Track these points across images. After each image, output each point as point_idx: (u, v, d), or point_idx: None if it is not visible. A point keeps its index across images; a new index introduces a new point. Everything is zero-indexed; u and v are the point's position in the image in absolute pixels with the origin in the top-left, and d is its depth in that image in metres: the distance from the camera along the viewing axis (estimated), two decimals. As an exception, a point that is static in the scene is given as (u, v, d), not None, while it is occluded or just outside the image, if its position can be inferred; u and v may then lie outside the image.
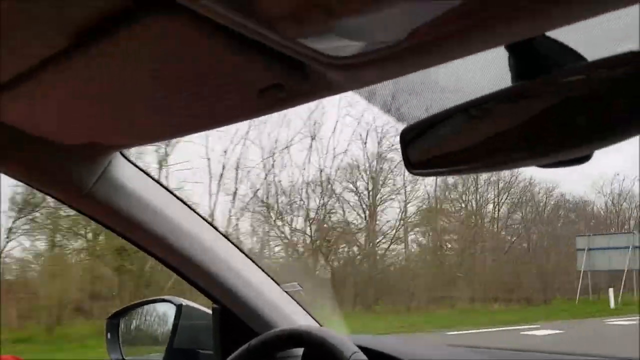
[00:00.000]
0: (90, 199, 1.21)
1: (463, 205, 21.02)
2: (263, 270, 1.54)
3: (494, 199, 21.28)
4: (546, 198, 22.38)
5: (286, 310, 1.52)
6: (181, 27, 0.69)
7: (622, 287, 19.14)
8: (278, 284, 1.56)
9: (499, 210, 21.46)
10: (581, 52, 0.75)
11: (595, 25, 0.64)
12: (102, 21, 0.71)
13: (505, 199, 21.53)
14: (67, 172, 1.17)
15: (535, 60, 0.73)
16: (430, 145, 0.96)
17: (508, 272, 19.85)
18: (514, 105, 0.78)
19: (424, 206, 19.19)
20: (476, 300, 17.84)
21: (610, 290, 18.36)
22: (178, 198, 1.37)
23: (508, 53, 0.76)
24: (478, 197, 20.90)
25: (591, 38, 0.73)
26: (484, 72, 0.92)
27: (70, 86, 0.87)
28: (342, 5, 0.60)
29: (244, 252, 1.50)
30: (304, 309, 1.58)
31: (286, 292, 1.57)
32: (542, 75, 0.71)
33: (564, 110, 0.69)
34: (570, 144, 0.68)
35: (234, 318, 1.49)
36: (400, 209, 18.14)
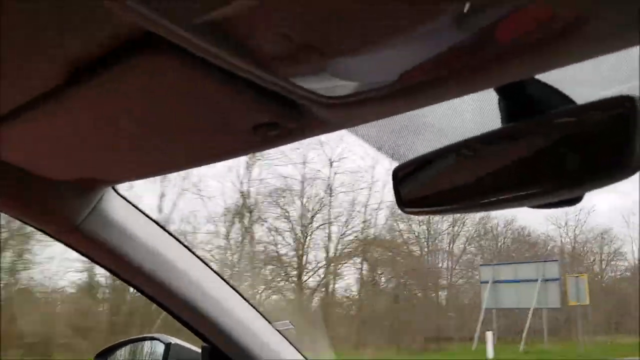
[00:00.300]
0: (80, 234, 1.19)
1: (413, 235, 18.77)
2: (254, 308, 1.51)
3: (448, 229, 18.97)
4: (506, 230, 19.92)
5: (277, 349, 1.49)
6: (174, 65, 0.70)
7: (525, 329, 15.37)
8: (269, 322, 1.54)
9: (452, 243, 19.16)
10: (571, 92, 0.77)
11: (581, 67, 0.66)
12: (98, 58, 0.72)
13: (460, 231, 19.22)
14: (57, 206, 1.16)
15: (525, 102, 0.74)
16: (422, 184, 0.97)
17: (409, 311, 17.14)
18: (504, 147, 0.79)
19: (361, 237, 17.02)
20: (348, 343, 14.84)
21: (489, 334, 14.11)
22: (169, 234, 1.36)
23: (498, 95, 0.77)
24: (430, 229, 18.63)
25: (579, 80, 0.75)
26: (475, 112, 0.93)
27: (64, 122, 0.88)
28: (335, 47, 0.61)
29: (235, 289, 1.48)
30: (295, 347, 1.55)
31: (277, 330, 1.54)
32: (532, 117, 0.72)
33: (554, 152, 0.70)
34: (561, 185, 0.68)
35: (224, 358, 1.46)
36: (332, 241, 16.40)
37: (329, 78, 0.72)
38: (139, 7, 0.55)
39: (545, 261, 16.05)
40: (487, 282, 15.94)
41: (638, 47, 0.60)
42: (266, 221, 15.77)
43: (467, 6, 0.53)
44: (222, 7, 0.54)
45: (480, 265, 17.61)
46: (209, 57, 0.64)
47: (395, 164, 1.00)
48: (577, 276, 15.37)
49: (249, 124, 0.84)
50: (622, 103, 0.59)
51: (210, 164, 1.06)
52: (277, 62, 0.65)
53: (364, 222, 17.06)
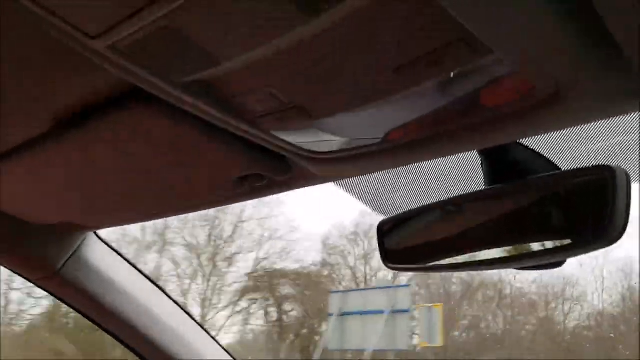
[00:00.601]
0: (59, 279, 1.17)
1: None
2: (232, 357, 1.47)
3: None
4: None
5: None
6: (161, 116, 0.70)
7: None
8: None
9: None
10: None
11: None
12: (84, 108, 0.72)
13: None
14: (37, 251, 1.14)
15: (509, 166, 0.75)
16: (407, 238, 0.97)
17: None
18: (489, 208, 0.80)
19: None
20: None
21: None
22: (151, 281, 1.33)
23: (482, 158, 0.78)
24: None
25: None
26: (462, 172, 0.94)
27: (47, 168, 0.87)
28: (322, 107, 0.62)
29: (215, 340, 1.44)
30: None
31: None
32: (516, 181, 0.73)
33: (537, 217, 0.71)
34: (543, 251, 0.69)
35: None
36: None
37: (316, 135, 0.73)
38: (128, 64, 0.56)
39: (397, 287, 11.61)
40: (332, 314, 11.43)
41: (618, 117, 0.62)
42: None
43: (451, 73, 0.55)
44: (211, 69, 0.55)
45: (331, 291, 12.75)
46: (196, 112, 0.64)
47: (380, 218, 1.00)
48: (429, 306, 11.13)
49: (235, 175, 0.84)
50: (602, 172, 0.61)
51: (193, 212, 1.05)
52: (264, 119, 0.66)
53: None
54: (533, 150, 0.74)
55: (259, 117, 0.66)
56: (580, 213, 0.65)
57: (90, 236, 1.21)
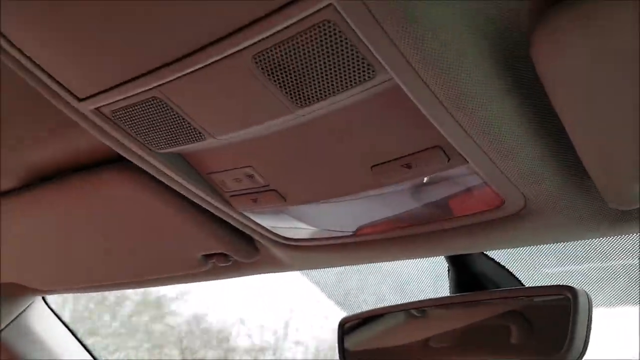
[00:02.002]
0: None
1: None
2: None
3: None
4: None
5: None
6: (133, 184, 0.70)
7: None
8: None
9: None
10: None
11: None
12: (58, 167, 0.71)
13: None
14: None
15: (472, 275, 0.75)
16: (369, 338, 0.94)
17: None
18: (451, 315, 0.79)
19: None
20: None
21: None
22: (91, 355, 1.25)
23: (449, 265, 0.78)
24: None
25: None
26: (428, 276, 0.94)
27: (4, 225, 0.84)
28: (298, 194, 0.63)
29: None
30: None
31: None
32: (478, 291, 0.73)
33: (498, 329, 0.70)
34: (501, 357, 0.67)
35: None
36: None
37: (288, 220, 0.72)
38: (109, 129, 0.56)
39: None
40: None
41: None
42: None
43: (425, 179, 0.56)
44: (193, 144, 0.55)
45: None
46: (170, 183, 0.64)
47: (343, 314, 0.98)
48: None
49: (200, 252, 0.82)
50: (564, 292, 0.61)
51: (151, 287, 1.01)
52: (237, 199, 0.66)
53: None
54: (498, 263, 0.75)
55: (233, 196, 0.66)
56: (540, 332, 0.65)
57: (38, 301, 1.15)
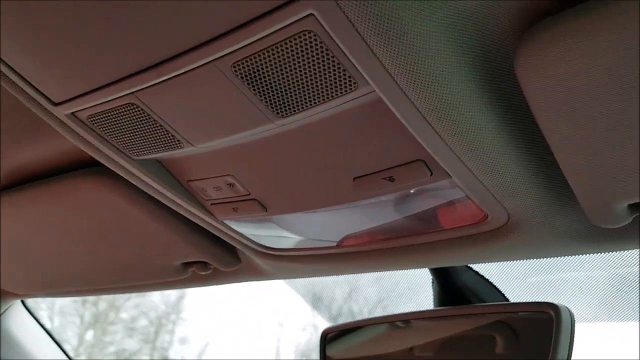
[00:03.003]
0: None
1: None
2: None
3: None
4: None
5: None
6: (111, 190, 0.68)
7: None
8: None
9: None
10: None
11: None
12: (34, 171, 0.70)
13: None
14: None
15: (457, 288, 0.75)
16: (351, 347, 0.93)
17: None
18: (434, 327, 0.79)
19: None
20: None
21: None
22: (70, 359, 1.23)
23: (434, 278, 0.78)
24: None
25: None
26: (413, 288, 0.94)
27: None
28: (280, 203, 0.62)
29: None
30: None
31: None
32: (464, 305, 0.73)
33: (482, 343, 0.70)
34: None
35: None
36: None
37: (271, 229, 0.71)
38: (85, 134, 0.54)
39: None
40: None
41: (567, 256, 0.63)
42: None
43: (408, 191, 0.55)
44: (171, 151, 0.54)
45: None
46: (148, 190, 0.63)
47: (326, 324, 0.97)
48: None
49: (179, 260, 0.81)
50: (547, 309, 0.61)
51: (131, 292, 1.00)
52: (218, 207, 0.64)
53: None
54: (482, 277, 0.75)
55: (213, 204, 0.64)
56: (525, 345, 0.64)
57: (17, 304, 1.12)
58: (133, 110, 0.49)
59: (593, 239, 0.56)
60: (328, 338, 0.93)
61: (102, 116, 0.52)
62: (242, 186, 0.59)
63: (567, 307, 0.61)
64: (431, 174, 0.50)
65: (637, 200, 0.47)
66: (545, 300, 0.62)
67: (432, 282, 0.79)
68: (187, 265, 0.83)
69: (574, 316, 0.62)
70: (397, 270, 0.74)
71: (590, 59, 0.35)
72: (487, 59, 0.41)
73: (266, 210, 0.63)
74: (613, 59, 0.35)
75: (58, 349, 1.20)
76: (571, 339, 0.61)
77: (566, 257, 0.64)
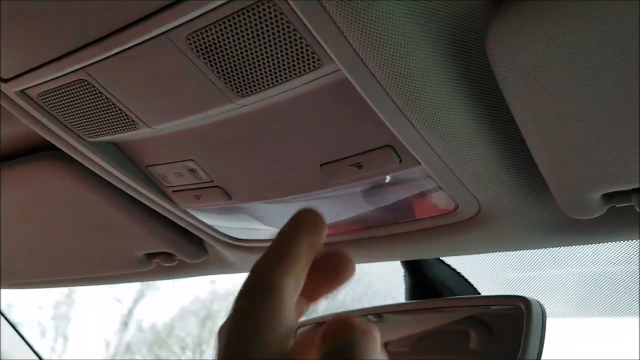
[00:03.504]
0: None
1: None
2: None
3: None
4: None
5: None
6: (69, 175, 0.65)
7: None
8: None
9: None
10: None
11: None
12: None
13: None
14: None
15: (429, 281, 0.73)
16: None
17: None
18: (407, 321, 0.77)
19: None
20: None
21: None
22: (38, 356, 1.18)
23: (406, 271, 0.76)
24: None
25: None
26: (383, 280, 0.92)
27: None
28: (244, 190, 0.59)
29: None
30: None
31: None
32: (436, 298, 0.71)
33: (455, 336, 0.68)
34: None
35: None
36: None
37: (238, 220, 0.68)
38: (37, 114, 0.51)
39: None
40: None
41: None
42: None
43: (387, 178, 0.53)
44: (126, 132, 0.51)
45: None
46: (105, 175, 0.59)
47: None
48: None
49: (141, 251, 0.77)
50: (518, 303, 0.59)
51: (97, 285, 0.96)
52: (180, 195, 0.61)
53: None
54: (454, 270, 0.73)
55: (175, 192, 0.61)
56: (498, 339, 0.63)
57: None
58: (84, 87, 0.46)
59: (566, 231, 0.55)
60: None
61: (53, 94, 0.48)
62: (204, 172, 0.57)
63: (537, 301, 0.60)
64: (400, 161, 0.47)
65: (611, 190, 0.46)
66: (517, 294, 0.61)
67: (404, 276, 0.77)
68: (150, 256, 0.80)
69: (544, 310, 0.60)
70: (368, 262, 0.72)
71: (563, 41, 0.33)
72: (460, 39, 0.39)
73: (230, 199, 0.60)
74: (589, 42, 0.33)
75: (27, 347, 1.16)
76: (542, 333, 0.60)
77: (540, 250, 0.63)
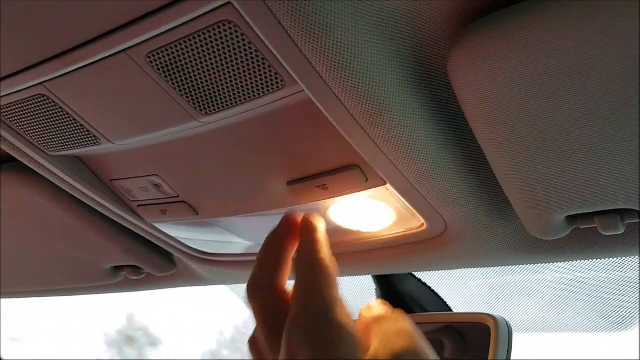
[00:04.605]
0: None
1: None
2: None
3: None
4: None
5: None
6: (33, 189, 0.63)
7: None
8: None
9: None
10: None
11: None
12: None
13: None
14: None
15: (399, 296, 0.73)
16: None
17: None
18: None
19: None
20: None
21: None
22: None
23: (375, 284, 0.76)
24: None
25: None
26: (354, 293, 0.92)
27: None
28: (210, 206, 0.58)
29: None
30: None
31: None
32: (407, 313, 0.71)
33: (429, 341, 0.68)
34: None
35: None
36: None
37: (206, 233, 0.67)
38: (2, 130, 0.50)
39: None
40: None
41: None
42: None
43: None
44: (89, 147, 0.50)
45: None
46: (69, 190, 0.58)
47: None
48: None
49: (108, 263, 0.76)
50: (485, 320, 0.60)
51: (64, 296, 0.94)
52: (146, 209, 0.60)
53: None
54: (425, 285, 0.73)
55: (140, 206, 0.60)
56: (470, 353, 0.63)
57: None
58: (44, 102, 0.45)
59: (532, 250, 0.55)
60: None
61: (12, 108, 0.47)
62: (169, 187, 0.56)
63: (503, 318, 0.60)
64: (366, 181, 0.47)
65: (574, 213, 0.46)
66: (484, 312, 0.61)
67: (375, 290, 0.77)
68: (118, 269, 0.78)
69: (511, 327, 0.61)
70: (338, 277, 0.71)
71: (522, 64, 0.34)
72: (422, 61, 0.39)
73: (197, 214, 0.59)
74: (548, 64, 0.33)
75: None
76: (509, 350, 0.60)
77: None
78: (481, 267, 0.61)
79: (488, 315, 0.60)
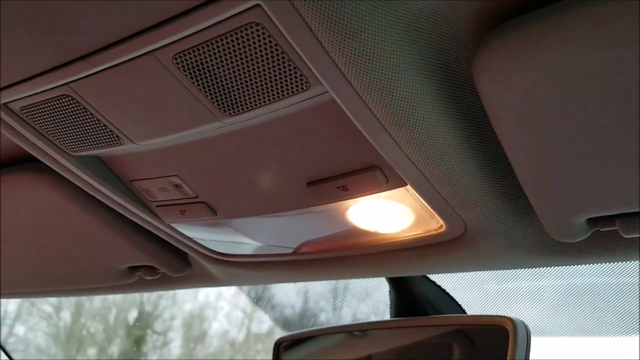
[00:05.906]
0: None
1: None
2: None
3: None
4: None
5: None
6: (52, 188, 0.63)
7: None
8: None
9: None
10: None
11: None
12: None
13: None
14: None
15: (414, 299, 0.73)
16: (307, 356, 0.91)
17: None
18: (391, 338, 0.77)
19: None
20: None
21: None
22: (9, 356, 1.16)
23: (389, 286, 0.76)
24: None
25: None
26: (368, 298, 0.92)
27: None
28: (230, 207, 0.58)
29: None
30: None
31: None
32: (421, 316, 0.71)
33: (438, 344, 0.68)
34: None
35: None
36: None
37: (223, 234, 0.68)
38: (20, 127, 0.50)
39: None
40: None
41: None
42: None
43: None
44: (111, 148, 0.50)
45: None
46: (89, 190, 0.58)
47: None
48: None
49: (124, 264, 0.76)
50: (503, 323, 0.59)
51: (79, 296, 0.94)
52: (165, 209, 0.61)
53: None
54: (440, 288, 0.73)
55: (159, 206, 0.61)
56: (479, 357, 0.63)
57: None
58: (68, 103, 0.46)
59: (551, 253, 0.55)
60: (281, 348, 0.91)
61: (35, 108, 0.48)
62: (189, 188, 0.56)
63: (522, 321, 0.60)
64: (387, 182, 0.47)
65: (596, 215, 0.46)
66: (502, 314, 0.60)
67: (390, 292, 0.77)
68: (133, 269, 0.79)
69: (529, 329, 0.60)
70: (353, 278, 0.72)
71: (549, 66, 0.34)
72: (446, 63, 0.39)
73: (216, 214, 0.60)
74: (574, 66, 0.33)
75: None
76: (527, 353, 0.60)
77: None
78: (498, 270, 0.61)
79: (506, 317, 0.59)
